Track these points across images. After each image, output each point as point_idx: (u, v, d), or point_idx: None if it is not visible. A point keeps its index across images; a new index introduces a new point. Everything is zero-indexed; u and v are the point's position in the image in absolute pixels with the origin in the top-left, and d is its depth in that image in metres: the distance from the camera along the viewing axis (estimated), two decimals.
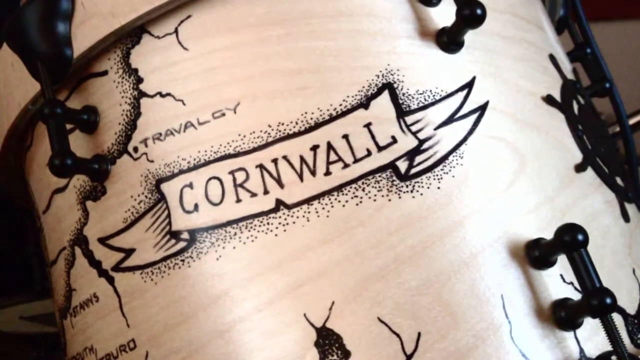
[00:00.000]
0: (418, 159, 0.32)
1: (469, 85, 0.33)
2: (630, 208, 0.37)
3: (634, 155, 0.51)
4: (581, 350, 0.30)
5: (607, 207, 0.35)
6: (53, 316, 0.66)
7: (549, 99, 0.36)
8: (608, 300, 0.29)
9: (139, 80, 0.34)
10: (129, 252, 0.33)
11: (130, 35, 0.34)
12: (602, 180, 0.36)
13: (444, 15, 0.34)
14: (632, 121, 0.57)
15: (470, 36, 0.34)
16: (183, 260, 0.32)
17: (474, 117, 0.33)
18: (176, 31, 0.34)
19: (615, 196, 0.36)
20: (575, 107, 0.38)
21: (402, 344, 0.29)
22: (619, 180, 0.37)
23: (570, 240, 0.30)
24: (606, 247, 0.34)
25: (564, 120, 0.36)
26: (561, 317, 0.30)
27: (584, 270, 0.29)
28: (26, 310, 0.70)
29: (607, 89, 0.47)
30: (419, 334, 0.29)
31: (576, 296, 0.30)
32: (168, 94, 0.33)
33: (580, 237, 0.29)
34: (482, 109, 0.33)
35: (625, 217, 0.36)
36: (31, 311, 0.70)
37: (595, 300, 0.29)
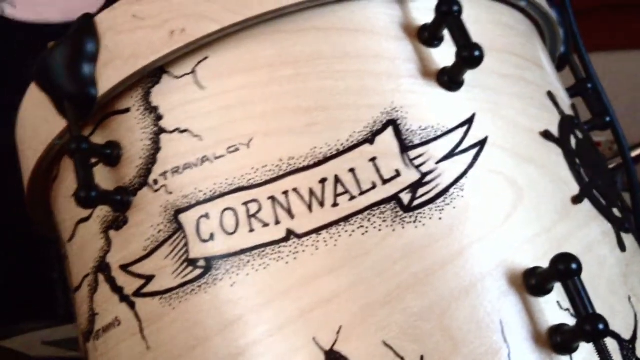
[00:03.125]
0: (420, 191, 0.33)
1: (469, 122, 0.35)
2: (627, 238, 0.39)
3: (637, 186, 0.53)
4: None
5: (604, 238, 0.37)
6: (74, 341, 0.68)
7: (546, 134, 0.38)
8: (601, 326, 0.30)
9: (159, 117, 0.36)
10: (149, 278, 0.35)
11: (151, 75, 0.37)
12: (599, 211, 0.38)
13: (445, 55, 0.36)
14: (634, 153, 0.58)
15: (469, 75, 0.36)
16: (200, 287, 0.34)
17: (473, 151, 0.35)
18: (194, 71, 0.36)
19: (612, 227, 0.38)
20: (573, 141, 0.39)
21: None
22: (616, 212, 0.39)
23: (564, 269, 0.31)
24: (602, 276, 0.35)
25: (561, 154, 0.38)
26: (557, 342, 0.32)
27: (578, 298, 0.31)
28: (48, 336, 0.72)
29: (607, 122, 0.49)
30: (422, 357, 0.31)
31: (572, 322, 0.32)
32: (186, 130, 0.36)
33: (574, 266, 0.31)
34: (482, 144, 0.35)
35: (622, 247, 0.37)
36: (53, 336, 0.72)
37: (589, 326, 0.30)
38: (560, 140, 0.38)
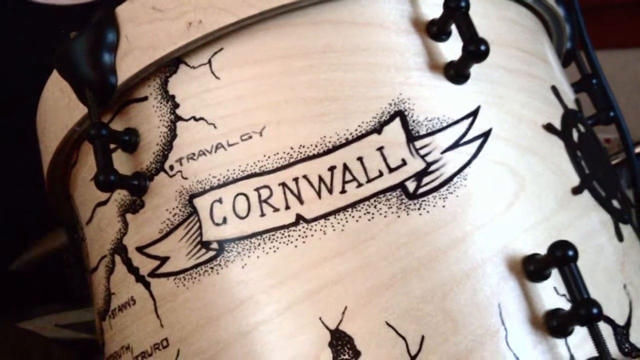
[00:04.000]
0: (425, 180, 0.35)
1: (474, 114, 0.37)
2: (626, 229, 0.40)
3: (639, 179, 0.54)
4: (571, 356, 0.33)
5: (602, 227, 0.38)
6: (85, 324, 0.70)
7: (549, 127, 0.39)
8: (595, 311, 0.32)
9: (176, 105, 0.38)
10: (164, 259, 0.37)
11: (169, 65, 0.38)
12: (598, 202, 0.39)
13: (452, 49, 0.37)
14: (638, 149, 0.59)
15: (475, 69, 0.37)
16: (212, 268, 0.35)
17: (477, 142, 0.36)
18: (209, 62, 0.38)
19: (610, 217, 0.39)
20: (575, 134, 0.41)
21: (407, 345, 0.32)
22: (615, 203, 0.40)
23: (561, 256, 0.33)
24: (599, 264, 0.36)
25: (563, 146, 0.39)
26: (553, 325, 0.33)
27: (573, 283, 0.32)
28: (61, 319, 0.74)
29: (611, 117, 0.50)
30: (423, 337, 0.32)
31: (568, 307, 0.33)
32: (201, 118, 0.37)
33: (570, 253, 0.32)
34: (486, 135, 0.36)
35: (620, 237, 0.39)
36: (65, 319, 0.74)
37: (583, 310, 0.32)
38: (563, 133, 0.39)
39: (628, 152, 0.53)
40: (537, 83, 0.41)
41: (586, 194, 0.38)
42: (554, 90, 0.41)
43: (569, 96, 0.43)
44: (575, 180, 0.38)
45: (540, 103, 0.40)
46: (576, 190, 0.38)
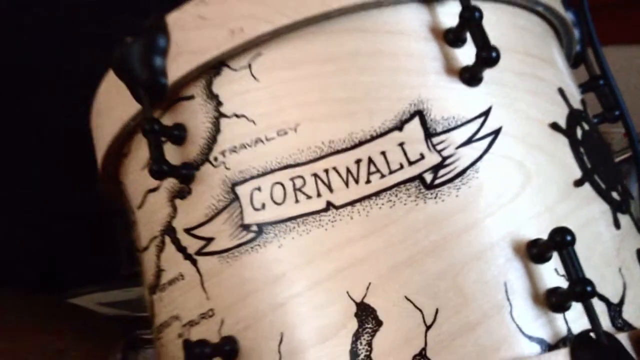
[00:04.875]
0: (441, 172, 0.39)
1: (486, 114, 0.41)
2: (623, 218, 0.44)
3: None
4: (569, 329, 0.37)
5: (601, 216, 0.42)
6: (124, 302, 0.76)
7: (554, 126, 0.43)
8: (589, 288, 0.36)
9: (219, 104, 0.43)
10: (209, 240, 0.42)
11: (213, 67, 0.43)
12: (598, 193, 0.43)
13: (467, 55, 0.42)
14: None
15: (488, 73, 0.41)
16: (252, 248, 0.40)
17: (489, 139, 0.40)
18: (249, 65, 0.42)
19: (609, 207, 0.43)
20: (579, 132, 0.45)
21: (423, 317, 0.37)
22: (615, 195, 0.45)
23: (560, 240, 0.37)
24: (596, 249, 0.41)
25: (567, 143, 0.43)
26: (553, 301, 0.37)
27: (571, 265, 0.37)
28: (102, 298, 0.80)
29: (616, 116, 0.54)
30: (437, 310, 0.37)
31: (566, 285, 0.37)
32: (242, 116, 0.42)
33: (568, 237, 0.37)
34: (496, 133, 0.41)
35: (617, 225, 0.43)
36: (106, 298, 0.80)
37: (579, 288, 0.36)
38: (567, 131, 0.44)
39: (634, 149, 0.57)
40: (544, 85, 0.45)
41: (587, 186, 0.43)
42: (560, 91, 0.45)
43: (575, 97, 0.47)
44: (578, 174, 0.42)
45: (547, 103, 0.44)
46: (578, 183, 0.42)
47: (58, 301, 0.74)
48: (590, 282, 0.36)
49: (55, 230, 0.88)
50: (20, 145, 0.97)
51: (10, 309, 0.65)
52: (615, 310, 0.39)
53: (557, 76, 0.47)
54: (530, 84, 0.44)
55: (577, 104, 0.47)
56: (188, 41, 0.43)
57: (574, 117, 0.45)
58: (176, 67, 0.43)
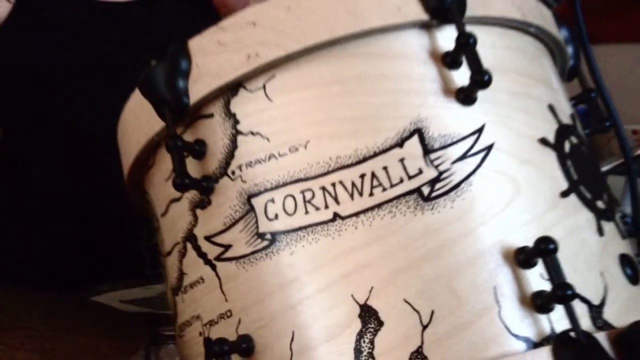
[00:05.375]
0: (438, 185, 0.43)
1: (480, 131, 0.45)
2: (607, 225, 0.48)
3: (636, 185, 0.61)
4: (552, 328, 0.41)
5: (586, 225, 0.46)
6: (147, 300, 0.80)
7: (543, 141, 0.47)
8: (569, 292, 0.40)
9: (236, 122, 0.47)
10: (227, 247, 0.46)
11: (231, 89, 0.47)
12: (584, 203, 0.47)
13: (463, 76, 0.45)
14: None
15: (481, 93, 0.45)
16: (266, 254, 0.44)
17: (481, 155, 0.44)
18: (264, 87, 0.46)
19: (594, 216, 0.47)
20: (567, 145, 0.49)
21: (420, 318, 0.41)
22: (600, 204, 0.48)
23: (544, 248, 0.41)
24: (581, 255, 0.45)
25: (555, 157, 0.47)
26: (538, 303, 0.41)
27: (554, 270, 0.41)
28: (125, 295, 0.85)
29: (607, 127, 0.58)
30: (433, 311, 0.41)
31: (550, 289, 0.41)
32: (257, 133, 0.46)
33: (551, 246, 0.41)
34: (489, 149, 0.45)
35: (601, 233, 0.47)
36: (129, 296, 0.84)
37: (560, 292, 0.40)
38: (555, 146, 0.47)
39: (627, 159, 0.61)
40: (535, 103, 0.48)
41: (573, 196, 0.46)
42: (551, 108, 0.49)
43: (565, 111, 0.51)
44: (564, 185, 0.46)
45: (537, 120, 0.48)
46: (564, 194, 0.46)
47: (82, 300, 0.79)
48: (570, 287, 0.40)
49: (79, 232, 0.93)
50: (57, 153, 1.02)
51: (37, 308, 0.69)
52: (596, 311, 0.43)
53: (548, 93, 0.50)
54: (522, 102, 0.48)
55: (566, 119, 0.50)
56: (208, 65, 0.47)
57: (563, 131, 0.49)
58: (197, 88, 0.47)
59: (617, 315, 0.44)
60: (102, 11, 1.15)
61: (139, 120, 0.51)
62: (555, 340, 0.40)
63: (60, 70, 1.08)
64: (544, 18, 0.52)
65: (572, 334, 0.40)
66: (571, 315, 0.40)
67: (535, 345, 0.41)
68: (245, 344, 0.44)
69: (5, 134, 1.19)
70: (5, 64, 1.14)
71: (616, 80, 1.98)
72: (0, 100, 1.16)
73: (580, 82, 0.59)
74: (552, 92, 0.51)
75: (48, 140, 1.08)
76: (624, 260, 0.47)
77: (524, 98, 0.48)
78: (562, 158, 0.47)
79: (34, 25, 1.12)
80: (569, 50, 0.57)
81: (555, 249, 0.41)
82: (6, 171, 1.14)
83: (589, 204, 0.47)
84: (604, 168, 0.75)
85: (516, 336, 0.41)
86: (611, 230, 0.48)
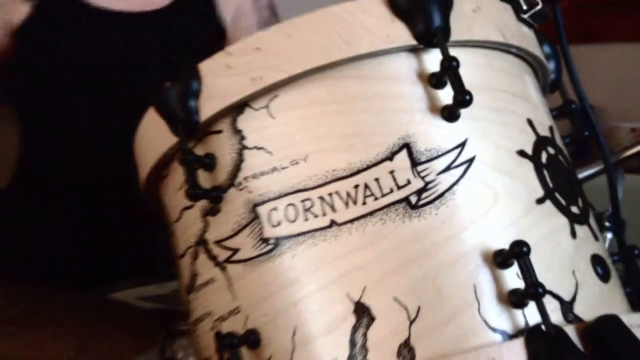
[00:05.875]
0: (424, 195, 0.48)
1: (462, 145, 0.50)
2: (580, 229, 0.53)
3: (616, 188, 0.66)
4: (526, 322, 0.46)
5: (560, 228, 0.51)
6: (162, 297, 0.85)
7: (521, 153, 0.52)
8: (540, 290, 0.45)
9: (243, 137, 0.52)
10: (235, 250, 0.51)
11: (238, 107, 0.52)
12: (558, 209, 0.52)
13: (447, 95, 0.50)
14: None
15: (464, 110, 0.50)
16: (270, 257, 0.49)
17: (464, 167, 0.49)
18: (267, 106, 0.51)
19: (567, 220, 0.52)
20: (544, 156, 0.53)
21: (408, 313, 0.46)
22: (574, 209, 0.53)
23: (519, 251, 0.46)
24: (555, 256, 0.49)
25: (532, 167, 0.52)
26: (513, 300, 0.46)
27: (527, 271, 0.45)
28: (140, 292, 0.90)
29: (586, 136, 0.62)
30: (419, 307, 0.46)
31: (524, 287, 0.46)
32: (262, 148, 0.51)
33: (525, 249, 0.46)
34: (470, 161, 0.49)
35: (574, 235, 0.51)
36: (145, 293, 0.89)
37: (532, 289, 0.45)
38: (532, 157, 0.52)
39: (606, 164, 0.66)
40: (515, 117, 0.53)
41: (548, 203, 0.51)
42: (529, 121, 0.54)
43: (543, 124, 0.56)
44: (540, 193, 0.51)
45: (516, 133, 0.52)
46: (540, 201, 0.51)
47: (101, 296, 0.85)
48: (541, 285, 0.45)
49: (98, 233, 0.98)
50: (71, 152, 1.07)
51: (59, 305, 0.75)
52: (567, 306, 0.48)
53: (528, 108, 0.55)
54: (502, 117, 0.52)
55: (544, 131, 0.55)
56: (217, 86, 0.52)
57: (540, 143, 0.54)
58: (207, 107, 0.52)
59: (587, 310, 0.49)
60: (112, 18, 1.20)
61: (154, 135, 0.56)
62: (528, 333, 0.45)
63: (74, 73, 1.14)
64: (525, 39, 0.57)
65: (543, 327, 0.45)
66: (542, 310, 0.45)
67: (511, 337, 0.46)
68: (252, 337, 0.49)
69: (24, 131, 1.24)
70: (24, 64, 1.19)
71: (616, 79, 2.02)
72: (20, 98, 1.22)
73: (561, 94, 0.64)
74: (531, 106, 0.56)
75: (65, 138, 1.13)
76: (596, 260, 0.52)
77: (504, 113, 0.53)
78: (538, 168, 0.52)
79: (51, 29, 1.17)
80: (551, 65, 0.62)
81: (528, 252, 0.46)
82: (26, 171, 1.19)
83: (564, 210, 0.52)
84: (587, 172, 0.80)
85: (494, 329, 0.46)
86: (584, 233, 0.53)
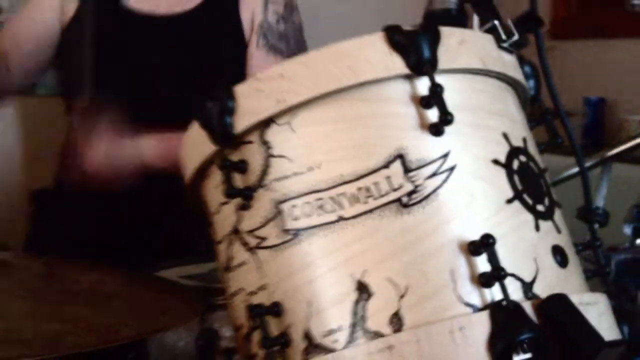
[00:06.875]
0: (413, 196, 0.60)
1: (446, 156, 0.62)
2: (544, 224, 0.64)
3: (589, 191, 0.77)
4: (492, 299, 0.58)
5: (525, 224, 0.63)
6: (202, 275, 0.99)
7: (495, 161, 0.63)
8: (502, 273, 0.57)
9: (269, 147, 0.64)
10: (263, 239, 0.64)
11: (265, 123, 0.64)
12: (525, 207, 0.63)
13: (434, 115, 0.62)
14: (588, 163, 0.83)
15: (448, 127, 0.62)
16: (291, 245, 0.62)
17: (447, 173, 0.61)
18: (289, 122, 0.64)
19: (533, 217, 0.63)
20: (516, 164, 0.65)
21: (398, 290, 0.58)
22: (540, 207, 0.65)
23: (486, 242, 0.58)
24: (519, 246, 0.61)
25: (505, 173, 0.63)
26: (482, 281, 0.58)
27: (492, 258, 0.57)
28: (182, 271, 1.03)
29: (559, 143, 0.74)
30: (407, 286, 0.58)
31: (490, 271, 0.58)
32: (284, 156, 0.63)
33: (491, 240, 0.57)
34: (452, 169, 0.61)
35: (537, 229, 0.63)
36: (185, 272, 1.03)
37: (496, 272, 0.57)
38: (505, 164, 0.64)
39: (580, 165, 0.77)
40: (492, 132, 0.65)
41: (516, 203, 0.63)
42: (504, 135, 0.66)
43: (517, 137, 0.67)
44: (510, 195, 0.63)
45: (492, 145, 0.64)
46: (509, 201, 0.62)
47: (147, 275, 0.98)
48: (503, 269, 0.57)
49: (148, 220, 1.12)
50: None
51: (110, 283, 0.88)
52: (527, 286, 0.60)
53: (505, 123, 0.67)
54: (481, 132, 0.64)
55: (517, 142, 0.67)
56: (248, 105, 0.64)
57: (513, 153, 0.65)
58: (241, 123, 0.65)
59: (545, 290, 0.61)
60: (144, 20, 1.33)
61: (197, 143, 0.69)
62: (492, 307, 0.57)
63: (110, 73, 1.27)
64: (505, 64, 0.69)
65: (504, 302, 0.57)
66: (504, 289, 0.57)
67: (479, 310, 0.58)
68: (276, 308, 0.62)
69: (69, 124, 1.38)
70: (66, 60, 1.33)
71: (627, 73, 2.11)
72: (64, 93, 1.35)
73: (539, 106, 0.75)
74: (508, 121, 0.67)
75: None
76: (556, 250, 0.64)
77: (482, 129, 0.64)
78: (510, 174, 0.64)
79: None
80: (530, 83, 0.74)
81: (494, 243, 0.58)
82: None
83: (530, 208, 0.64)
84: (564, 175, 0.92)
85: (466, 304, 0.58)
86: (548, 227, 0.65)
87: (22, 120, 1.72)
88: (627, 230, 0.99)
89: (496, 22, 0.69)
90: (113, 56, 1.28)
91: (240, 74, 1.33)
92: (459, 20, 0.75)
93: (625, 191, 1.17)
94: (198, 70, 1.31)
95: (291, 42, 1.37)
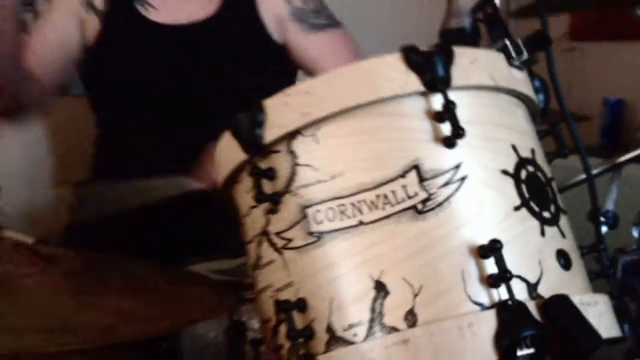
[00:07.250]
0: (428, 203, 0.66)
1: (458, 166, 0.67)
2: (549, 229, 0.69)
3: (596, 196, 0.82)
4: (499, 298, 0.63)
5: (531, 230, 0.68)
6: (231, 270, 1.05)
7: (504, 172, 0.69)
8: (508, 275, 0.62)
9: (295, 157, 0.70)
10: (289, 240, 0.69)
11: (292, 134, 0.70)
12: (532, 214, 0.69)
13: (447, 129, 0.67)
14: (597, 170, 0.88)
15: (460, 140, 0.67)
16: (315, 246, 0.68)
17: (458, 183, 0.67)
18: (314, 134, 0.69)
19: (539, 223, 0.69)
20: (524, 174, 0.70)
21: (413, 289, 0.64)
22: (546, 214, 0.70)
23: (494, 246, 0.63)
24: (525, 250, 0.67)
25: (513, 182, 0.69)
26: (490, 282, 0.64)
27: (500, 261, 0.63)
28: (212, 266, 1.10)
29: (566, 152, 0.79)
30: (422, 285, 0.64)
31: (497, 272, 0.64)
32: (310, 165, 0.69)
33: (498, 245, 0.63)
34: (464, 179, 0.67)
35: (543, 234, 0.68)
36: (215, 266, 1.09)
37: (502, 274, 0.62)
38: (513, 175, 0.69)
39: (587, 172, 0.82)
40: (501, 144, 0.70)
41: (523, 210, 0.68)
42: (513, 146, 0.71)
43: (525, 148, 0.72)
44: (517, 202, 0.68)
45: (501, 157, 0.69)
46: (517, 208, 0.68)
47: (179, 269, 1.05)
48: (509, 271, 0.62)
49: (182, 217, 1.18)
50: (145, 154, 1.28)
51: (146, 277, 0.95)
52: (532, 287, 0.65)
53: (514, 135, 0.72)
54: (491, 144, 0.69)
55: (526, 153, 0.72)
56: (277, 118, 0.70)
57: (521, 163, 0.70)
58: (269, 134, 0.70)
59: (549, 291, 0.66)
60: (167, 32, 1.39)
61: (229, 151, 0.75)
62: (499, 306, 0.63)
63: (139, 86, 1.33)
64: (515, 80, 0.74)
65: (510, 302, 0.62)
66: (509, 290, 0.62)
67: (487, 308, 0.63)
68: (301, 304, 0.68)
69: (101, 134, 1.45)
70: (97, 76, 1.40)
71: None
72: (94, 106, 1.42)
73: (548, 119, 0.80)
74: (517, 134, 0.72)
75: (134, 138, 1.34)
76: (560, 253, 0.69)
77: (492, 141, 0.70)
78: (517, 183, 0.69)
79: (118, 48, 1.37)
80: (540, 97, 0.79)
81: (501, 247, 0.63)
82: (101, 168, 1.40)
83: (536, 215, 0.69)
84: (574, 180, 0.97)
85: (475, 302, 0.64)
86: (553, 232, 0.70)
87: (54, 118, 1.80)
88: (635, 232, 1.04)
89: (507, 41, 0.74)
90: (149, 71, 1.34)
91: (264, 69, 1.38)
92: (473, 38, 0.80)
93: (637, 192, 1.22)
94: (229, 70, 1.37)
95: (324, 13, 1.42)
